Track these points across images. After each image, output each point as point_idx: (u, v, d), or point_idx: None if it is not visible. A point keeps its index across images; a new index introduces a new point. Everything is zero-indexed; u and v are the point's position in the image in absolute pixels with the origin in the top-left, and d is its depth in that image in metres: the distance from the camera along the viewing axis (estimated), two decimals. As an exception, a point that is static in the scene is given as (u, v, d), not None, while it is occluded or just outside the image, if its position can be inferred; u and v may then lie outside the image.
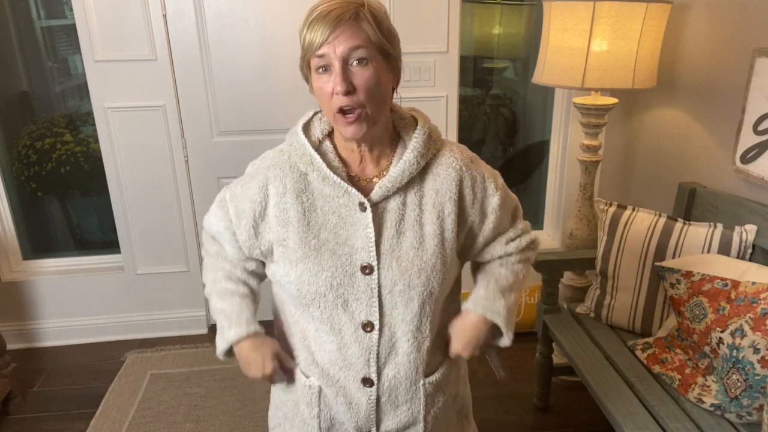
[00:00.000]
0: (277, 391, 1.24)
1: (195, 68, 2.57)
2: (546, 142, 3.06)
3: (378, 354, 1.10)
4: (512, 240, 1.19)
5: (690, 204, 2.12)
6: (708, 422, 1.62)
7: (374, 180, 1.10)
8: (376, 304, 1.07)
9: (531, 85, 3.00)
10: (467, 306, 1.18)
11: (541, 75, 2.19)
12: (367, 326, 1.09)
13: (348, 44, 0.97)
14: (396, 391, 1.12)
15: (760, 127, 1.84)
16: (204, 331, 2.99)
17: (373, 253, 1.06)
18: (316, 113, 1.14)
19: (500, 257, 1.20)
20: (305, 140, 1.08)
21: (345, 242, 1.07)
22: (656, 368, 1.83)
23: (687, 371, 1.75)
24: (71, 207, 3.01)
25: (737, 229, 1.86)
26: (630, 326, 2.04)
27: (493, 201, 1.13)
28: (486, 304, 1.17)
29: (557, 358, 2.50)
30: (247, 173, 1.14)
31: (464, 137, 3.14)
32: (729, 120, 2.02)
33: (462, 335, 1.17)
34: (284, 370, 1.19)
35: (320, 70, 1.00)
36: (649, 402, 1.72)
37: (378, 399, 1.12)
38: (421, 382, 1.14)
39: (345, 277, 1.06)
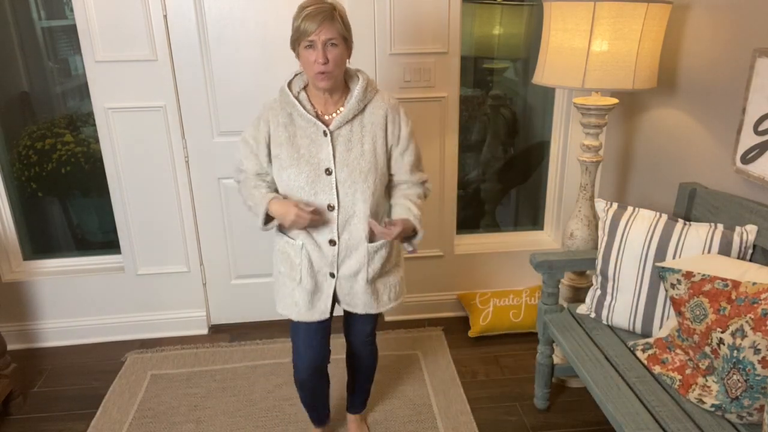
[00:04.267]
0: (281, 244, 1.84)
1: (195, 69, 2.57)
2: (546, 142, 3.06)
3: (338, 225, 1.75)
4: (416, 174, 1.82)
5: (690, 204, 2.12)
6: (708, 423, 1.63)
7: (333, 115, 1.71)
8: (335, 193, 1.70)
9: (531, 86, 3.01)
10: (402, 214, 1.77)
11: (542, 75, 2.19)
12: (331, 207, 1.73)
13: (328, 35, 1.58)
14: (350, 248, 1.78)
15: (761, 128, 1.84)
16: (204, 331, 2.99)
17: (332, 162, 1.68)
18: (295, 75, 1.75)
19: (406, 182, 1.81)
20: (289, 92, 1.71)
21: (315, 155, 1.69)
22: (657, 369, 1.83)
23: (687, 372, 1.76)
24: (72, 207, 3.01)
25: (738, 229, 1.86)
26: (630, 327, 2.04)
27: (403, 132, 1.75)
28: (414, 218, 1.78)
29: (557, 358, 2.51)
30: (255, 118, 1.77)
31: (465, 138, 3.14)
32: (729, 120, 2.02)
33: (403, 231, 1.73)
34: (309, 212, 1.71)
35: (308, 48, 1.60)
36: (650, 402, 1.72)
37: (338, 253, 1.78)
38: (366, 245, 1.78)
39: (316, 177, 1.69)
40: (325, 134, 1.68)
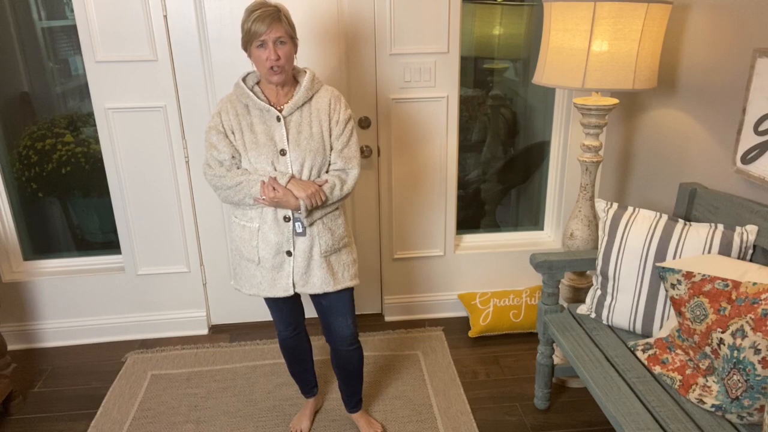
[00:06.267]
0: (237, 231, 1.99)
1: (195, 69, 2.57)
2: (546, 142, 3.06)
3: None
4: (342, 160, 1.94)
5: (691, 204, 2.12)
6: (709, 423, 1.63)
7: (284, 105, 1.90)
8: (290, 170, 1.88)
9: (531, 86, 3.01)
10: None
11: (542, 76, 2.19)
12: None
13: (277, 34, 1.77)
14: (302, 222, 1.93)
15: (761, 128, 1.84)
16: (204, 331, 2.99)
17: (286, 144, 1.87)
18: (248, 74, 1.94)
19: (334, 163, 1.94)
20: (245, 86, 1.89)
21: (271, 139, 1.88)
22: (657, 369, 1.83)
23: (688, 372, 1.76)
24: (72, 208, 3.01)
25: (738, 229, 1.86)
26: (631, 327, 2.04)
27: (341, 117, 1.93)
28: (326, 184, 1.93)
29: (557, 359, 2.51)
30: (215, 111, 1.93)
31: (465, 138, 3.14)
32: (729, 120, 2.02)
33: (315, 189, 1.90)
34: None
35: (260, 47, 1.79)
36: (650, 402, 1.72)
37: (294, 229, 1.93)
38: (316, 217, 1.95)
39: (274, 157, 1.87)
40: (278, 119, 1.87)
